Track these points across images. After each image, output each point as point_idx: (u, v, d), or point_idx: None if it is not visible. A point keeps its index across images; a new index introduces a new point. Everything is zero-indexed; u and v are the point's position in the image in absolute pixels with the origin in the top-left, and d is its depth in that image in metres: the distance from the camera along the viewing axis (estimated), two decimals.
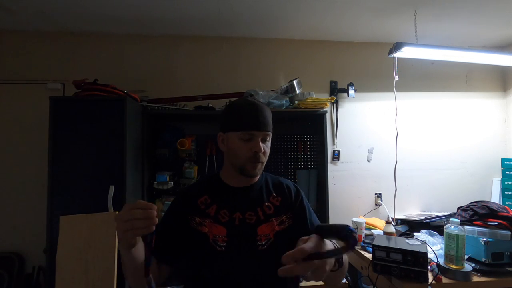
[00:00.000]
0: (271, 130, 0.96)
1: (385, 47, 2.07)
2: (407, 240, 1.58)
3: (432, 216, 2.14)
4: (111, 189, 1.62)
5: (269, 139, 0.96)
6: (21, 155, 2.13)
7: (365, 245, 1.88)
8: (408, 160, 2.49)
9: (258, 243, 0.91)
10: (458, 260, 1.46)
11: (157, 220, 0.68)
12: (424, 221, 2.07)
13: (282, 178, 1.08)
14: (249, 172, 0.94)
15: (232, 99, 2.06)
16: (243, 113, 0.92)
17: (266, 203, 0.98)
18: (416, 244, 1.51)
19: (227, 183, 1.00)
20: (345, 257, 0.87)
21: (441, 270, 1.48)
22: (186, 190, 1.02)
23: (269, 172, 1.09)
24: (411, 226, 2.12)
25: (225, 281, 0.89)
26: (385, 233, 1.82)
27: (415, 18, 2.05)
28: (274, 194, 1.00)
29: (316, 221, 1.02)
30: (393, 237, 1.74)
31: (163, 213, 1.01)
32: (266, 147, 0.94)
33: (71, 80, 1.83)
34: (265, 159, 0.95)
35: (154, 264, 0.90)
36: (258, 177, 1.01)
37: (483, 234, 1.55)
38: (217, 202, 0.96)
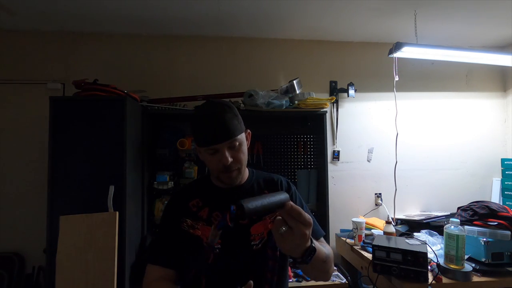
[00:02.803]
0: (238, 133, 0.89)
1: (385, 47, 2.07)
2: (407, 240, 1.58)
3: (432, 216, 2.14)
4: (111, 189, 1.62)
5: (238, 143, 0.90)
6: (21, 155, 2.13)
7: (365, 245, 1.88)
8: (408, 160, 2.49)
9: (252, 243, 0.91)
10: (458, 260, 1.46)
11: None
12: (424, 221, 2.07)
13: (273, 174, 1.08)
14: (225, 181, 0.94)
15: (232, 99, 2.06)
16: (201, 128, 0.89)
17: None
18: (416, 244, 1.51)
19: (217, 185, 1.00)
20: (327, 251, 0.87)
21: (441, 270, 1.48)
22: (177, 193, 1.04)
23: (269, 172, 1.09)
24: (411, 226, 2.12)
25: (220, 282, 0.89)
26: (385, 233, 1.82)
27: (415, 18, 2.05)
28: (266, 191, 1.00)
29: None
30: (393, 237, 1.74)
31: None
32: (237, 152, 0.90)
33: (71, 80, 1.83)
34: (240, 165, 0.92)
35: (161, 271, 0.92)
36: (247, 176, 1.01)
37: (483, 234, 1.55)
38: (209, 205, 0.96)
